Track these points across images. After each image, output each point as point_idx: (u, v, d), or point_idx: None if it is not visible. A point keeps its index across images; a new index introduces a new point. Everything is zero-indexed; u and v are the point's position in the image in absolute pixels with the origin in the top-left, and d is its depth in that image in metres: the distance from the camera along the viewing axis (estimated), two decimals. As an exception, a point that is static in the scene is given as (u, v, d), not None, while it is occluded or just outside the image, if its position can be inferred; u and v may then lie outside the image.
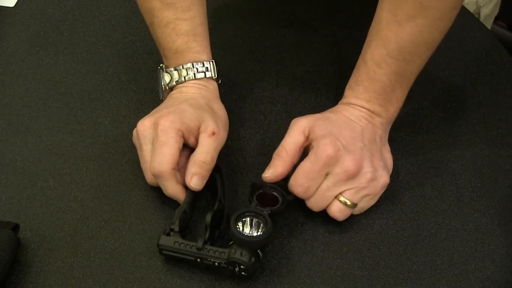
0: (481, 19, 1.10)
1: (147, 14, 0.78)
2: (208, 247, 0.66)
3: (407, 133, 0.81)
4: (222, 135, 0.74)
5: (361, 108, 0.74)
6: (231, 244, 0.66)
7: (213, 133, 0.72)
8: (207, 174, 0.71)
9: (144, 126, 0.72)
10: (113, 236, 0.71)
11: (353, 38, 0.91)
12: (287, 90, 0.86)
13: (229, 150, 0.78)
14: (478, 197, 0.76)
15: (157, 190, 0.73)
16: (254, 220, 0.68)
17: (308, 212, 0.72)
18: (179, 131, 0.70)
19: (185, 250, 0.66)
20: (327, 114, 0.75)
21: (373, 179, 0.70)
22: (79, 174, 0.76)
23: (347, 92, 0.76)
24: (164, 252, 0.67)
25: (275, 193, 0.71)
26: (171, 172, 0.69)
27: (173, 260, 0.68)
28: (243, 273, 0.66)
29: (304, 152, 0.72)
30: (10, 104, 0.83)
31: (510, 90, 0.88)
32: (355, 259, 0.70)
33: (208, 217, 0.67)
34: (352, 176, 0.69)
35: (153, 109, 0.76)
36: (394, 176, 0.76)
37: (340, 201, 0.70)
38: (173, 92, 0.78)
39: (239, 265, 0.65)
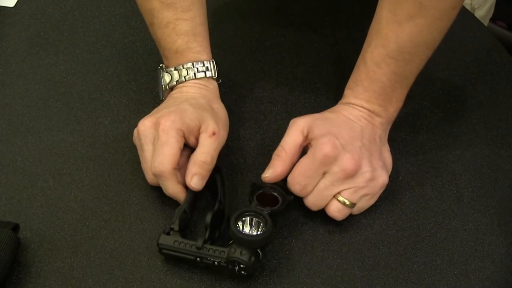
0: (476, 21, 1.10)
1: (147, 15, 0.78)
2: (208, 246, 0.66)
3: (407, 133, 0.81)
4: (223, 135, 0.74)
5: (360, 108, 0.74)
6: (231, 243, 0.66)
7: (214, 133, 0.72)
8: (207, 174, 0.71)
9: (145, 126, 0.72)
10: (113, 236, 0.71)
11: (353, 38, 0.91)
12: (287, 90, 0.86)
13: (229, 150, 0.78)
14: (478, 197, 0.76)
15: (157, 190, 0.73)
16: (254, 219, 0.68)
17: (308, 212, 0.72)
18: (180, 131, 0.70)
19: (185, 249, 0.66)
20: (326, 114, 0.75)
21: (371, 179, 0.70)
22: (79, 174, 0.76)
23: (347, 92, 0.76)
24: (164, 251, 0.67)
25: (275, 193, 0.71)
26: (171, 172, 0.69)
27: (173, 259, 0.68)
28: (243, 272, 0.66)
29: (304, 152, 0.72)
30: (10, 104, 0.83)
31: (510, 90, 0.88)
32: (355, 259, 0.70)
33: (209, 217, 0.67)
34: (351, 175, 0.69)
35: (153, 109, 0.76)
36: (394, 176, 0.76)
37: (339, 200, 0.70)
38: (173, 92, 0.78)
39: (239, 264, 0.65)
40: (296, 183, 0.70)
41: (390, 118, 0.75)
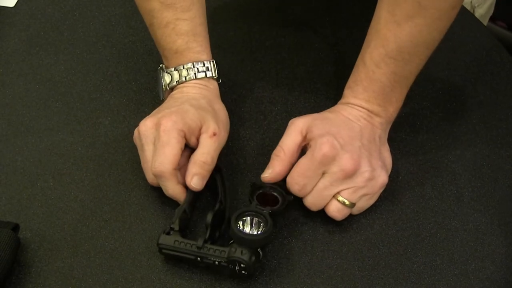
0: (476, 20, 1.10)
1: (146, 15, 0.78)
2: (208, 246, 0.66)
3: (407, 133, 0.81)
4: (223, 136, 0.74)
5: (360, 108, 0.74)
6: (231, 243, 0.66)
7: (214, 134, 0.72)
8: (207, 175, 0.71)
9: (146, 126, 0.72)
10: (113, 236, 0.71)
11: (353, 38, 0.91)
12: (287, 90, 0.86)
13: (229, 150, 0.78)
14: (478, 197, 0.76)
15: (157, 190, 0.73)
16: (255, 219, 0.68)
17: (308, 212, 0.72)
18: (181, 131, 0.70)
19: (185, 249, 0.66)
20: (325, 114, 0.75)
21: (371, 179, 0.70)
22: (79, 174, 0.76)
23: (346, 92, 0.76)
24: (164, 251, 0.67)
25: (275, 193, 0.71)
26: (172, 172, 0.69)
27: (173, 259, 0.68)
28: (243, 272, 0.66)
29: (303, 152, 0.72)
30: (10, 104, 0.84)
31: (510, 90, 0.88)
32: (355, 259, 0.70)
33: (209, 217, 0.67)
34: (350, 175, 0.69)
35: (153, 109, 0.76)
36: (394, 176, 0.76)
37: (339, 200, 0.70)
38: (174, 92, 0.78)
39: (239, 263, 0.65)
40: (295, 183, 0.70)
41: (389, 118, 0.75)
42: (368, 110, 0.73)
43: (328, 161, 0.69)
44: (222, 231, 0.70)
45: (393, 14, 0.69)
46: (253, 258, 0.65)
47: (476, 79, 0.88)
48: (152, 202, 0.74)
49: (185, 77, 0.77)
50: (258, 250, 0.66)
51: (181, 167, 0.72)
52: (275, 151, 0.72)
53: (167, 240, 0.67)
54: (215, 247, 0.66)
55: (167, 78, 0.78)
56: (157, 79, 0.80)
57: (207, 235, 0.67)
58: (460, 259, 0.70)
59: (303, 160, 0.70)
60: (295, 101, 0.85)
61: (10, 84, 0.86)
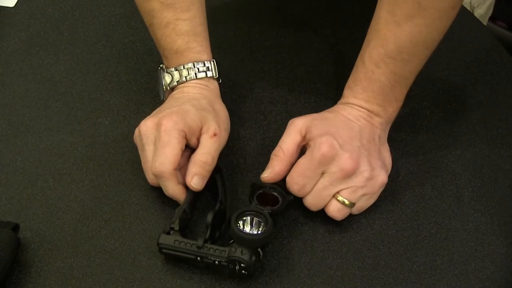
0: (475, 20, 1.10)
1: (146, 15, 0.78)
2: (208, 245, 0.66)
3: (407, 133, 0.81)
4: (224, 136, 0.74)
5: (359, 108, 0.74)
6: (231, 242, 0.66)
7: (215, 134, 0.72)
8: (207, 175, 0.71)
9: (147, 126, 0.72)
10: (113, 236, 0.71)
11: (353, 38, 0.91)
12: (287, 90, 0.86)
13: (229, 150, 0.78)
14: (478, 197, 0.76)
15: (157, 190, 0.73)
16: (255, 219, 0.68)
17: (308, 212, 0.72)
18: (182, 132, 0.70)
19: (185, 248, 0.66)
20: (325, 114, 0.75)
21: (370, 178, 0.70)
22: (79, 174, 0.76)
23: (346, 92, 0.76)
24: (164, 251, 0.67)
25: (275, 193, 0.71)
26: (172, 172, 0.69)
27: (173, 259, 0.68)
28: (243, 271, 0.66)
29: (303, 152, 0.72)
30: (10, 104, 0.84)
31: (510, 90, 0.88)
32: (355, 259, 0.70)
33: (209, 217, 0.67)
34: (349, 175, 0.69)
35: (153, 109, 0.76)
36: (394, 176, 0.76)
37: (338, 200, 0.70)
38: (174, 92, 0.78)
39: (240, 263, 0.65)
40: (294, 183, 0.70)
41: (389, 118, 0.75)
42: (368, 110, 0.73)
43: (327, 161, 0.69)
44: (222, 231, 0.70)
45: (393, 14, 0.69)
46: (253, 258, 0.65)
47: (476, 79, 0.88)
48: (152, 202, 0.74)
49: (185, 77, 0.77)
50: (258, 250, 0.66)
51: (181, 167, 0.72)
52: (274, 151, 0.72)
53: (167, 240, 0.67)
54: (215, 247, 0.66)
55: (167, 78, 0.78)
56: (158, 79, 0.80)
57: (207, 235, 0.67)
58: (460, 259, 0.70)
59: (303, 160, 0.70)
60: (295, 101, 0.85)
61: (10, 84, 0.86)
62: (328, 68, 0.89)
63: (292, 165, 0.71)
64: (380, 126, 0.74)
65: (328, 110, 0.76)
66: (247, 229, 0.68)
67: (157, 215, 0.73)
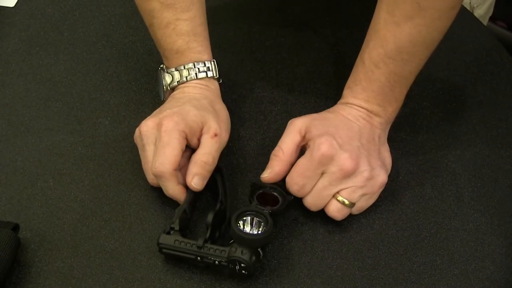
0: (475, 21, 1.10)
1: (146, 15, 0.78)
2: (208, 245, 0.66)
3: (407, 133, 0.81)
4: (224, 137, 0.74)
5: (359, 108, 0.74)
6: (231, 242, 0.66)
7: (216, 135, 0.72)
8: (208, 175, 0.71)
9: (147, 126, 0.72)
10: (113, 236, 0.71)
11: (353, 38, 0.91)
12: (287, 90, 0.86)
13: (229, 150, 0.78)
14: (478, 197, 0.76)
15: (157, 190, 0.73)
16: (255, 219, 0.68)
17: (308, 212, 0.72)
18: (183, 132, 0.70)
19: (185, 248, 0.66)
20: (324, 114, 0.75)
21: (370, 178, 0.70)
22: (79, 174, 0.76)
23: (346, 92, 0.76)
24: (164, 250, 0.67)
25: (275, 193, 0.71)
26: (172, 173, 0.69)
27: (173, 259, 0.68)
28: (243, 271, 0.66)
29: (302, 153, 0.72)
30: (10, 104, 0.84)
31: (510, 90, 0.88)
32: (355, 259, 0.70)
33: (210, 217, 0.67)
34: (349, 174, 0.69)
35: (153, 109, 0.76)
36: (394, 176, 0.76)
37: (338, 200, 0.70)
38: (175, 92, 0.78)
39: (240, 263, 0.65)
40: (294, 184, 0.70)
41: (389, 118, 0.75)
42: (368, 110, 0.73)
43: (327, 161, 0.69)
44: (222, 231, 0.70)
45: (392, 15, 0.69)
46: (253, 257, 0.65)
47: (476, 79, 0.88)
48: (152, 202, 0.74)
49: (186, 77, 0.77)
50: (258, 250, 0.66)
51: (182, 167, 0.72)
52: (274, 151, 0.72)
53: (167, 240, 0.67)
54: (215, 247, 0.66)
55: (168, 79, 0.78)
56: (158, 80, 0.80)
57: (208, 235, 0.67)
58: (460, 259, 0.70)
59: (302, 160, 0.70)
60: (295, 101, 0.85)
61: (10, 84, 0.86)
62: (328, 68, 0.89)
63: (292, 165, 0.71)
64: (379, 126, 0.74)
65: (328, 110, 0.76)
66: (247, 229, 0.68)
67: (157, 215, 0.73)
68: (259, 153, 0.79)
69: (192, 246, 0.66)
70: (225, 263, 0.66)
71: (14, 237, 0.67)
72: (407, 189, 0.76)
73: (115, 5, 0.97)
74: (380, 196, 0.74)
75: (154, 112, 0.75)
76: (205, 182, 0.71)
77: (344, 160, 0.69)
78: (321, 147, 0.69)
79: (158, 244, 0.67)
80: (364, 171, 0.70)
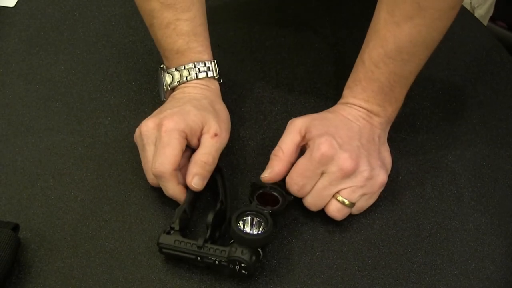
0: (475, 21, 1.10)
1: (146, 16, 0.78)
2: (208, 245, 0.66)
3: (407, 133, 0.81)
4: (224, 137, 0.74)
5: (359, 108, 0.74)
6: (231, 242, 0.66)
7: (216, 135, 0.72)
8: (208, 175, 0.71)
9: (148, 126, 0.72)
10: (113, 236, 0.71)
11: (353, 38, 0.91)
12: (287, 90, 0.86)
13: (229, 150, 0.78)
14: (478, 197, 0.76)
15: (157, 190, 0.73)
16: (255, 219, 0.68)
17: (308, 212, 0.72)
18: (183, 132, 0.70)
19: (185, 248, 0.66)
20: (324, 114, 0.75)
21: (370, 178, 0.70)
22: (79, 174, 0.76)
23: (346, 92, 0.76)
24: (164, 250, 0.67)
25: (275, 193, 0.71)
26: (172, 173, 0.69)
27: (173, 259, 0.68)
28: (243, 271, 0.66)
29: (303, 152, 0.72)
30: (10, 104, 0.84)
31: (510, 90, 0.88)
32: (355, 259, 0.70)
33: (210, 217, 0.67)
34: (348, 174, 0.69)
35: (153, 109, 0.76)
36: (394, 176, 0.76)
37: (338, 200, 0.70)
38: (175, 92, 0.78)
39: (240, 263, 0.65)
40: (294, 184, 0.70)
41: (389, 118, 0.75)
42: (367, 110, 0.73)
43: (326, 160, 0.69)
44: (223, 231, 0.70)
45: (392, 15, 0.69)
46: (254, 257, 0.65)
47: (476, 79, 0.88)
48: (152, 202, 0.74)
49: (186, 77, 0.77)
50: (259, 249, 0.66)
51: (182, 168, 0.72)
52: (274, 151, 0.72)
53: (168, 240, 0.67)
54: (215, 247, 0.66)
55: (168, 79, 0.78)
56: (158, 80, 0.80)
57: (208, 234, 0.67)
58: (460, 259, 0.70)
59: (302, 160, 0.70)
60: (295, 101, 0.85)
61: (10, 84, 0.86)
62: (328, 68, 0.89)
63: (292, 165, 0.71)
64: (379, 126, 0.74)
65: (328, 110, 0.76)
66: (247, 229, 0.68)
67: (157, 215, 0.73)
68: (259, 153, 0.79)
69: (192, 246, 0.66)
70: (225, 263, 0.66)
71: (14, 237, 0.67)
72: (407, 189, 0.76)
73: (115, 5, 0.97)
74: (380, 196, 0.74)
75: (155, 112, 0.75)
76: (205, 182, 0.71)
77: (344, 160, 0.69)
78: (321, 147, 0.69)
79: (158, 244, 0.67)
80: (364, 171, 0.70)
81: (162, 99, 0.80)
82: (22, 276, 0.68)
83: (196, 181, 0.70)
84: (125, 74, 0.87)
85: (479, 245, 0.72)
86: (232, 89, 0.85)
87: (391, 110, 0.74)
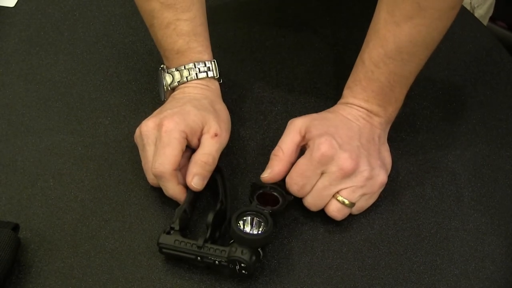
0: (475, 20, 1.10)
1: (147, 16, 0.78)
2: (208, 245, 0.66)
3: (407, 133, 0.82)
4: (224, 137, 0.74)
5: (359, 108, 0.74)
6: (231, 242, 0.66)
7: (216, 135, 0.72)
8: (208, 175, 0.71)
9: (148, 126, 0.72)
10: (113, 236, 0.71)
11: (353, 38, 0.91)
12: (287, 90, 0.86)
13: (229, 150, 0.78)
14: (478, 197, 0.76)
15: (157, 190, 0.73)
16: (255, 219, 0.68)
17: (308, 212, 0.72)
18: (183, 132, 0.70)
19: (185, 248, 0.66)
20: (324, 114, 0.75)
21: (370, 178, 0.70)
22: (79, 174, 0.76)
23: (346, 92, 0.76)
24: (164, 250, 0.67)
25: (275, 193, 0.71)
26: (172, 173, 0.69)
27: (173, 259, 0.68)
28: (243, 271, 0.66)
29: (303, 152, 0.72)
30: (10, 104, 0.84)
31: (510, 90, 0.88)
32: (355, 259, 0.70)
33: (210, 217, 0.67)
34: (348, 174, 0.69)
35: (153, 109, 0.76)
36: (394, 176, 0.76)
37: (338, 200, 0.70)
38: (175, 92, 0.78)
39: (240, 263, 0.65)
40: (293, 184, 0.70)
41: (389, 118, 0.75)
42: (367, 110, 0.74)
43: (326, 160, 0.69)
44: (223, 231, 0.70)
45: (392, 15, 0.69)
46: (254, 257, 0.65)
47: (476, 79, 0.88)
48: (152, 202, 0.74)
49: (186, 77, 0.77)
50: (259, 249, 0.66)
51: (182, 167, 0.72)
52: (274, 151, 0.72)
53: (168, 240, 0.67)
54: (215, 247, 0.66)
55: (168, 79, 0.78)
56: (158, 80, 0.80)
57: (208, 234, 0.67)
58: (460, 259, 0.70)
59: (302, 160, 0.70)
60: (295, 101, 0.85)
61: (10, 84, 0.86)
62: (328, 68, 0.89)
63: (292, 165, 0.71)
64: (379, 126, 0.74)
65: (328, 110, 0.76)
66: (247, 229, 0.68)
67: (157, 215, 0.73)
68: (259, 153, 0.79)
69: (192, 246, 0.66)
70: (225, 263, 0.66)
71: (14, 237, 0.67)
72: (407, 189, 0.76)
73: (115, 5, 0.97)
74: (380, 196, 0.74)
75: (155, 112, 0.75)
76: (205, 182, 0.71)
77: (344, 160, 0.69)
78: (321, 147, 0.69)
79: (158, 244, 0.67)
80: (364, 171, 0.70)
81: (162, 99, 0.80)
82: (22, 276, 0.68)
83: (196, 181, 0.70)
84: (125, 74, 0.87)
85: (479, 245, 0.72)
86: (232, 89, 0.85)
87: (391, 110, 0.74)
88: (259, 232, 0.67)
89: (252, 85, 0.87)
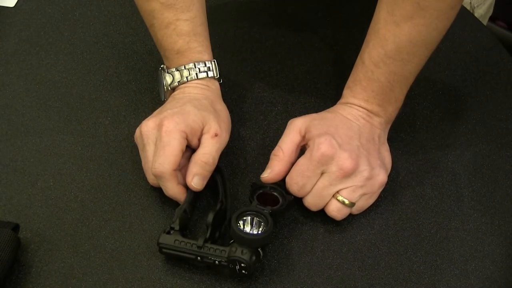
0: (475, 20, 1.10)
1: (147, 16, 0.78)
2: (208, 245, 0.66)
3: (407, 133, 0.82)
4: (225, 137, 0.74)
5: (359, 108, 0.74)
6: (231, 242, 0.66)
7: (216, 135, 0.72)
8: (208, 175, 0.71)
9: (148, 126, 0.72)
10: (113, 236, 0.71)
11: (353, 38, 0.91)
12: (287, 90, 0.86)
13: (229, 150, 0.78)
14: (478, 197, 0.76)
15: (157, 190, 0.73)
16: (255, 219, 0.68)
17: (308, 212, 0.72)
18: (183, 133, 0.70)
19: (185, 248, 0.66)
20: (324, 114, 0.75)
21: (370, 178, 0.70)
22: (79, 174, 0.76)
23: (345, 92, 0.76)
24: (164, 250, 0.67)
25: (275, 193, 0.71)
26: (172, 173, 0.69)
27: (173, 259, 0.68)
28: (243, 271, 0.66)
29: (303, 152, 0.72)
30: (10, 104, 0.84)
31: (510, 90, 0.88)
32: (355, 259, 0.70)
33: (210, 217, 0.67)
34: (348, 174, 0.69)
35: (153, 109, 0.76)
36: (394, 176, 0.76)
37: (338, 200, 0.70)
38: (175, 92, 0.78)
39: (240, 263, 0.65)
40: (293, 183, 0.70)
41: (389, 118, 0.75)
42: (367, 110, 0.74)
43: (326, 160, 0.69)
44: (223, 231, 0.70)
45: (392, 15, 0.69)
46: (254, 257, 0.65)
47: (476, 79, 0.88)
48: (152, 202, 0.74)
49: (186, 77, 0.77)
50: (259, 249, 0.66)
51: (182, 168, 0.72)
52: (274, 151, 0.72)
53: (168, 240, 0.67)
54: (215, 247, 0.66)
55: (168, 79, 0.78)
56: (158, 80, 0.80)
57: (208, 234, 0.67)
58: (460, 259, 0.70)
59: (302, 160, 0.70)
60: (295, 101, 0.85)
61: (10, 84, 0.86)
62: (328, 68, 0.89)
63: (292, 165, 0.71)
64: (379, 126, 0.74)
65: (328, 110, 0.76)
66: (247, 229, 0.68)
67: (157, 215, 0.73)
68: (259, 153, 0.79)
69: (192, 246, 0.66)
70: (225, 263, 0.66)
71: (14, 237, 0.67)
72: (407, 189, 0.76)
73: (115, 5, 0.97)
74: (380, 196, 0.74)
75: (155, 112, 0.75)
76: (205, 182, 0.71)
77: (344, 160, 0.69)
78: (321, 146, 0.69)
79: (158, 244, 0.67)
80: (364, 170, 0.70)
81: (162, 99, 0.80)
82: (22, 276, 0.68)
83: (196, 181, 0.70)
84: (125, 74, 0.87)
85: (479, 245, 0.72)
86: (232, 89, 0.85)
87: (391, 110, 0.74)
88: (259, 232, 0.67)
89: (252, 85, 0.87)
